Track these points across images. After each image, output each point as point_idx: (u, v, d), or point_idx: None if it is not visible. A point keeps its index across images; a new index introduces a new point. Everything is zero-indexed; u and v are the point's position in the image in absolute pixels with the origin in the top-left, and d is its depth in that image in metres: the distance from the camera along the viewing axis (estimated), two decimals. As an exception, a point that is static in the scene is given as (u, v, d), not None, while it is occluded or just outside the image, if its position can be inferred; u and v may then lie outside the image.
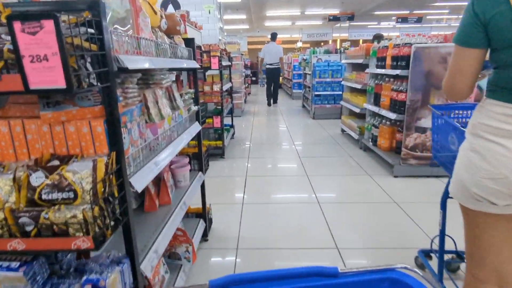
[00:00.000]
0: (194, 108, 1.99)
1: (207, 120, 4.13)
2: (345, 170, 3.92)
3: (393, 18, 13.96)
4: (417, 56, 3.24)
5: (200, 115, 2.14)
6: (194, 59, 2.01)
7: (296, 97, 11.24)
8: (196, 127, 1.98)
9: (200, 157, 2.19)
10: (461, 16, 1.12)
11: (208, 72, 4.61)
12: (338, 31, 19.12)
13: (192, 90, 2.03)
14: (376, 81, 4.12)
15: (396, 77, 3.62)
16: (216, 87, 4.03)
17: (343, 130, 5.82)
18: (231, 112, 5.61)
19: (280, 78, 14.50)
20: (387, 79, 3.87)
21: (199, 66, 2.02)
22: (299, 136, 5.81)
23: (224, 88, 4.55)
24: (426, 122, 3.40)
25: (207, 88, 4.04)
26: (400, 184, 3.45)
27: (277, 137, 5.75)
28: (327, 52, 7.48)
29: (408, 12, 12.66)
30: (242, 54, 8.14)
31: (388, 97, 3.75)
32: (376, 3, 11.04)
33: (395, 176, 3.59)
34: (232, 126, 5.61)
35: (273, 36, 8.84)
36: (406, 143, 3.46)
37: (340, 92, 7.03)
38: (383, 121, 4.00)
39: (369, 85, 4.35)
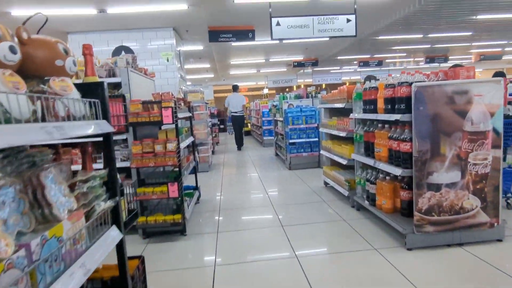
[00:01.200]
0: (106, 204, 1.08)
1: (160, 189, 3.16)
2: (342, 242, 3.04)
3: (355, 62, 14.31)
4: (419, 97, 2.61)
5: (125, 212, 1.22)
6: (106, 117, 1.15)
7: (268, 144, 10.59)
8: (107, 244, 1.05)
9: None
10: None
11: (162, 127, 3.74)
12: (302, 77, 19.48)
13: (102, 173, 1.13)
14: (366, 128, 3.46)
15: (393, 123, 2.97)
16: (171, 146, 3.15)
17: (326, 183, 5.05)
18: (194, 171, 4.68)
19: (249, 125, 14.03)
20: (380, 125, 3.21)
21: (111, 130, 1.15)
22: (278, 193, 4.94)
23: (184, 144, 3.68)
24: (439, 177, 2.69)
25: (159, 148, 3.14)
26: (418, 260, 2.62)
27: (252, 197, 4.84)
28: (298, 97, 6.99)
29: (369, 56, 13.00)
30: (206, 103, 7.45)
31: (385, 147, 3.06)
32: (338, 48, 11.15)
33: (409, 249, 2.77)
34: (196, 188, 4.64)
35: (235, 88, 10.07)
36: (419, 205, 2.70)
37: (316, 139, 6.42)
38: (380, 175, 3.26)
39: (357, 133, 3.68)
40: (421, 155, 2.66)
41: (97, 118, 1.12)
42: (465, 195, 2.73)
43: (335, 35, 5.93)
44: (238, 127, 9.91)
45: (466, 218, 2.76)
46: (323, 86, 21.47)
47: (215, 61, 11.78)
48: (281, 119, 7.10)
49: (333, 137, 4.87)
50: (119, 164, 3.40)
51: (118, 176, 1.33)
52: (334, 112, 4.85)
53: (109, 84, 3.44)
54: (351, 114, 3.79)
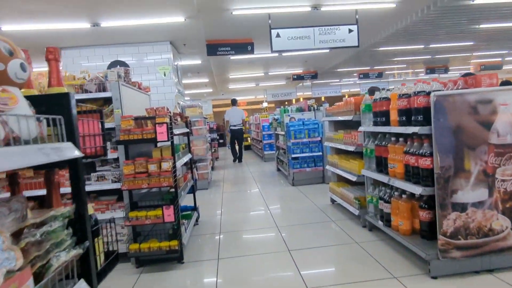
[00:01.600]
0: (70, 253, 0.81)
1: (154, 213, 2.87)
2: (357, 269, 2.73)
3: (355, 74, 14.22)
4: (439, 107, 2.36)
5: (100, 258, 0.95)
6: (72, 138, 0.89)
7: (269, 159, 10.31)
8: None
9: None
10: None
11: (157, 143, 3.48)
12: (301, 90, 19.39)
13: (65, 211, 0.86)
14: (377, 142, 3.20)
15: (409, 136, 2.71)
16: (166, 165, 2.88)
17: (333, 200, 4.75)
18: (193, 190, 4.38)
19: (248, 139, 13.79)
20: (393, 139, 2.95)
21: (77, 155, 0.89)
22: (282, 212, 4.63)
23: (181, 162, 3.42)
24: (464, 195, 2.42)
25: (153, 168, 2.87)
26: (446, 291, 2.32)
27: (254, 217, 4.53)
28: (300, 110, 6.77)
29: (369, 68, 12.90)
30: (205, 118, 7.23)
31: (401, 162, 2.79)
32: (338, 61, 11.04)
33: (434, 277, 2.46)
34: (195, 208, 4.34)
35: (233, 102, 10.39)
36: (443, 228, 2.41)
37: (320, 153, 6.15)
38: (395, 193, 2.98)
39: (367, 147, 3.42)
40: (443, 172, 2.39)
41: (61, 140, 0.87)
42: (494, 215, 2.45)
43: (337, 45, 5.76)
44: (238, 141, 10.28)
45: (496, 241, 2.46)
46: (323, 99, 21.39)
47: (213, 75, 11.65)
48: (282, 133, 6.86)
49: (339, 152, 4.61)
50: (110, 186, 3.12)
51: (92, 210, 1.06)
52: (340, 125, 4.61)
53: (98, 99, 3.21)
54: (360, 127, 3.54)
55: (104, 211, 3.16)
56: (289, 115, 6.58)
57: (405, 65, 13.07)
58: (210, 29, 6.30)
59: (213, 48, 6.98)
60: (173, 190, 3.08)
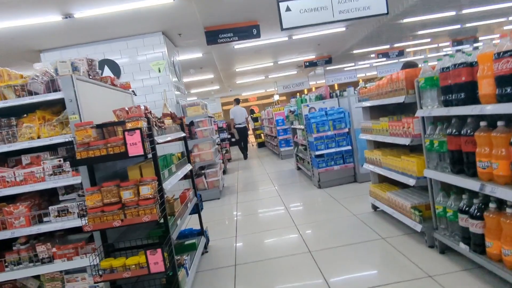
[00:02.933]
0: None
1: (135, 261, 1.97)
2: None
3: (372, 55, 12.99)
4: None
5: None
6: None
7: (286, 156, 9.35)
8: None
9: None
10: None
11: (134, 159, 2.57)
12: (314, 79, 18.26)
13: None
14: (451, 130, 2.18)
15: (522, 117, 1.69)
16: (147, 190, 1.97)
17: (374, 207, 3.76)
18: (197, 209, 3.47)
19: (262, 135, 12.93)
20: (483, 123, 1.93)
21: None
22: (313, 228, 3.65)
23: (176, 179, 2.51)
24: None
25: (128, 196, 1.96)
26: None
27: (278, 238, 3.57)
28: (320, 98, 5.75)
29: (388, 46, 11.66)
30: (210, 117, 6.31)
31: (506, 160, 1.78)
32: (354, 41, 9.89)
33: None
34: (202, 232, 3.43)
35: (237, 101, 10.51)
36: None
37: (349, 147, 5.14)
38: (491, 206, 1.97)
39: (431, 139, 2.41)
40: None
41: None
42: None
43: (361, 15, 4.70)
44: (243, 138, 10.55)
45: None
46: (336, 87, 20.15)
47: (218, 70, 10.71)
48: (301, 127, 5.86)
49: (381, 145, 3.61)
50: (75, 223, 2.24)
51: None
52: (380, 111, 3.60)
53: (53, 103, 2.33)
54: (418, 111, 2.52)
55: (72, 257, 2.28)
56: (307, 105, 5.58)
57: (429, 39, 11.75)
58: (207, 12, 5.34)
59: (213, 36, 6.03)
60: (162, 221, 2.16)
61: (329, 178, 5.26)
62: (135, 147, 1.91)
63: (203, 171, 5.89)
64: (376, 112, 3.73)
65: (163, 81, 5.67)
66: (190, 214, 3.36)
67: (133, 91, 3.30)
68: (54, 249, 2.27)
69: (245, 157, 10.76)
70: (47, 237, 2.42)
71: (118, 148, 1.92)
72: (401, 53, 12.02)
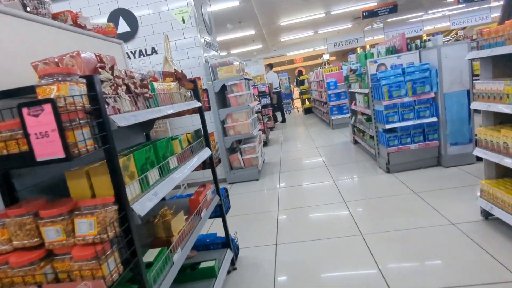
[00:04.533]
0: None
1: None
2: None
3: (448, 0, 10.50)
4: None
5: None
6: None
7: (338, 125, 8.00)
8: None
9: None
10: None
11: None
12: (370, 34, 15.90)
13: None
14: None
15: None
16: (86, 226, 0.96)
17: (487, 213, 2.46)
18: (221, 211, 2.45)
19: (306, 101, 11.74)
20: None
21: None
22: (391, 245, 2.46)
23: (175, 182, 1.48)
24: None
25: (52, 235, 0.97)
26: None
27: (333, 249, 2.46)
28: (393, 51, 4.24)
29: (476, -15, 9.18)
30: (248, 79, 5.13)
31: None
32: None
33: None
34: (227, 243, 2.44)
35: (270, 66, 10.84)
36: None
37: (434, 119, 3.72)
38: None
39: None
40: None
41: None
42: None
43: None
44: (279, 102, 10.71)
45: None
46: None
47: (260, 25, 9.29)
48: (364, 90, 4.47)
49: (505, 120, 2.22)
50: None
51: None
52: (508, 67, 2.16)
53: None
54: None
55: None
56: (375, 62, 4.13)
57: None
58: None
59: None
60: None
61: (402, 159, 3.93)
62: (47, 143, 0.86)
63: (238, 147, 4.87)
64: (502, 68, 2.29)
65: (187, 32, 4.55)
66: (212, 217, 2.38)
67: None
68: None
69: (283, 120, 11.09)
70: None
71: (14, 145, 0.89)
72: (491, -6, 9.44)
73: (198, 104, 2.17)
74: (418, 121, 3.79)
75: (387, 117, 3.83)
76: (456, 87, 3.64)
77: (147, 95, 1.47)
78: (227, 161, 4.73)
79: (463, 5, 11.36)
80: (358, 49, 17.54)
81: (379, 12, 9.59)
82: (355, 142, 5.90)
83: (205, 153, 2.19)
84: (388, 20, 12.95)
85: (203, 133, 2.28)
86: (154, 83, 1.65)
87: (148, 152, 1.43)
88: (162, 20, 4.57)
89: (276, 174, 4.86)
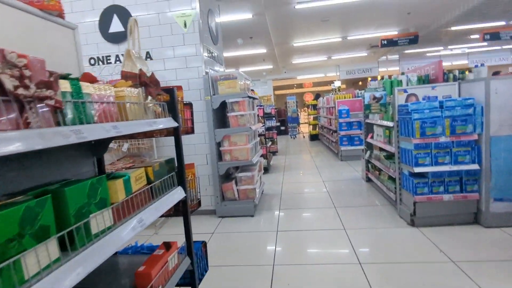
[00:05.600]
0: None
1: None
2: None
3: (473, 36, 10.03)
4: None
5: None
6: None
7: (347, 157, 7.30)
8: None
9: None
10: None
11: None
12: (384, 65, 15.46)
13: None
14: None
15: None
16: None
17: None
18: (191, 280, 1.72)
19: (316, 127, 11.18)
20: None
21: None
22: None
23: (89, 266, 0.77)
24: None
25: None
26: None
27: None
28: (425, 80, 3.60)
29: (504, 23, 8.69)
30: (253, 98, 4.49)
31: None
32: (457, 11, 7.26)
33: None
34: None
35: None
36: None
37: (476, 167, 3.02)
38: None
39: None
40: None
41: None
42: None
43: None
44: None
45: None
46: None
47: (272, 43, 8.80)
48: (387, 123, 3.79)
49: None
50: None
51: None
52: None
53: None
54: None
55: None
56: (404, 91, 3.48)
57: None
58: None
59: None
60: None
61: (432, 212, 3.19)
62: None
63: (234, 174, 4.17)
64: None
65: (188, 39, 3.96)
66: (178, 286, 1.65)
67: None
68: None
69: None
70: None
71: None
72: (517, 34, 8.95)
73: (173, 124, 1.49)
74: (455, 167, 3.08)
75: (417, 158, 3.13)
76: (506, 130, 2.96)
77: (52, 102, 0.79)
78: (219, 190, 4.01)
79: (485, 43, 10.92)
80: (360, 82, 17.07)
81: (398, 41, 9.10)
82: (368, 179, 5.18)
83: (175, 195, 1.49)
84: (405, 51, 12.51)
85: (177, 165, 1.58)
86: (86, 85, 0.97)
87: (29, 211, 0.73)
88: (161, 22, 4.00)
89: (275, 210, 4.12)
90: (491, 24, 8.74)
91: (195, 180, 1.79)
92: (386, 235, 3.12)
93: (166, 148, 4.11)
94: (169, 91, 1.53)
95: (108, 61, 4.14)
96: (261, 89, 16.94)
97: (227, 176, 4.38)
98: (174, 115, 1.54)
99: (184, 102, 1.73)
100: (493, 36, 9.02)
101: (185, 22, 3.96)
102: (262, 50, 9.65)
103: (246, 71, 13.96)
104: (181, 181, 1.58)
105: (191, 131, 1.79)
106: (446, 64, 14.79)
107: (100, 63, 4.16)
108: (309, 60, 13.14)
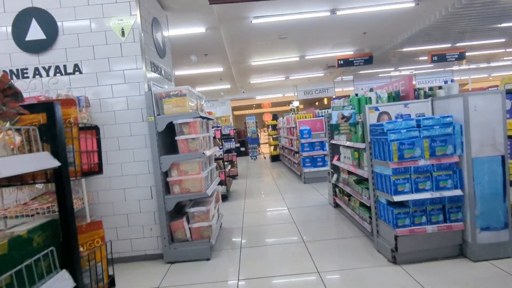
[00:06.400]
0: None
1: None
2: None
3: (421, 58, 10.49)
4: None
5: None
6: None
7: (310, 180, 6.92)
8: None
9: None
10: None
11: None
12: (340, 85, 15.83)
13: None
14: None
15: None
16: None
17: None
18: None
19: (277, 148, 10.88)
20: None
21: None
22: None
23: None
24: None
25: None
26: None
27: None
28: (395, 98, 3.30)
29: (449, 45, 9.15)
30: (207, 118, 3.91)
31: None
32: (411, 31, 7.45)
33: None
34: None
35: None
36: None
37: (459, 193, 2.68)
38: None
39: None
40: None
41: None
42: None
43: None
44: None
45: None
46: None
47: (229, 61, 8.38)
48: (358, 145, 3.40)
49: None
50: None
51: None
52: None
53: None
54: None
55: None
56: (376, 109, 3.13)
57: (504, 39, 9.20)
58: None
59: (219, -14, 3.70)
60: None
61: (415, 246, 2.78)
62: None
63: (185, 209, 3.49)
64: None
65: (128, 52, 3.32)
66: None
67: None
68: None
69: None
70: None
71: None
72: (461, 56, 9.49)
73: (53, 164, 0.86)
74: (437, 194, 2.72)
75: (396, 185, 2.74)
76: (488, 151, 2.68)
77: None
78: (166, 230, 3.29)
79: (431, 65, 11.50)
80: (317, 102, 17.34)
81: (354, 62, 9.18)
82: (336, 205, 4.76)
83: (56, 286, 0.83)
84: (359, 72, 12.84)
85: (62, 235, 0.93)
86: None
87: None
88: (93, 30, 3.32)
89: (236, 250, 3.48)
90: (438, 46, 9.17)
91: (105, 248, 1.14)
92: (368, 277, 2.63)
93: (114, 169, 3.32)
94: (48, 106, 0.90)
95: (25, 75, 3.34)
96: (220, 110, 16.43)
97: (178, 212, 3.68)
98: (54, 147, 0.90)
99: (85, 125, 1.10)
100: (440, 57, 9.46)
101: (122, 29, 3.32)
102: (219, 69, 9.19)
103: (203, 91, 13.41)
104: (70, 261, 0.93)
105: (97, 169, 1.15)
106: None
107: (14, 77, 3.34)
108: (267, 80, 12.96)
